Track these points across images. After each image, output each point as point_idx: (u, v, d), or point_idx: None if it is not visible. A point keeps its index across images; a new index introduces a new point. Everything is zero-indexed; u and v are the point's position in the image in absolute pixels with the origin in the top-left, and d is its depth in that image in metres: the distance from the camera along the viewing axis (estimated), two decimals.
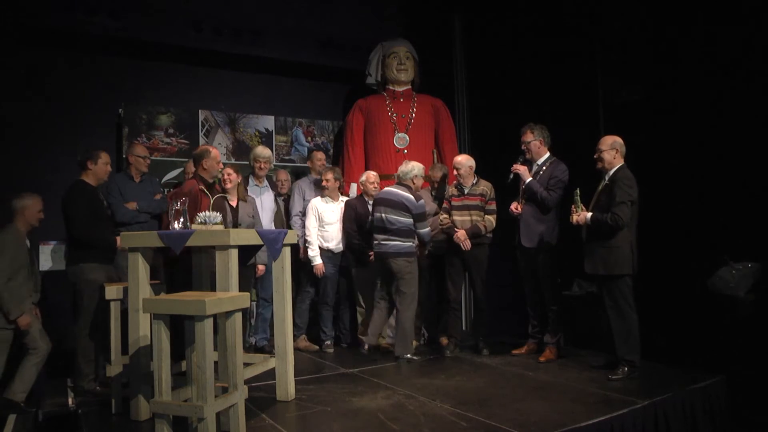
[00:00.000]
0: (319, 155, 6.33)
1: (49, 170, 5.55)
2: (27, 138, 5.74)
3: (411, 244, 5.28)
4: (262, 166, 5.72)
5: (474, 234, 5.29)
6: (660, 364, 4.70)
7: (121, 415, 3.83)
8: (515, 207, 5.16)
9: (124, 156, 6.06)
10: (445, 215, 5.46)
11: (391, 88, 6.93)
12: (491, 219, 5.40)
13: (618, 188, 4.39)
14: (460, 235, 5.26)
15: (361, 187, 5.88)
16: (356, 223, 5.67)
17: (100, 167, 4.52)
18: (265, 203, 5.72)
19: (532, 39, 6.22)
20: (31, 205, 4.52)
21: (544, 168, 5.15)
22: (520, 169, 5.15)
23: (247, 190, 5.59)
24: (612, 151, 4.53)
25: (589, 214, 4.50)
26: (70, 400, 4.22)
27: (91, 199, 4.45)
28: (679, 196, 4.88)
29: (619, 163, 4.53)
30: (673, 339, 4.82)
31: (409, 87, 6.96)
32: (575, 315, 5.30)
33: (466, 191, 5.45)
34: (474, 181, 5.46)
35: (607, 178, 4.57)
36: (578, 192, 4.63)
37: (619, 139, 4.57)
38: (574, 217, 4.58)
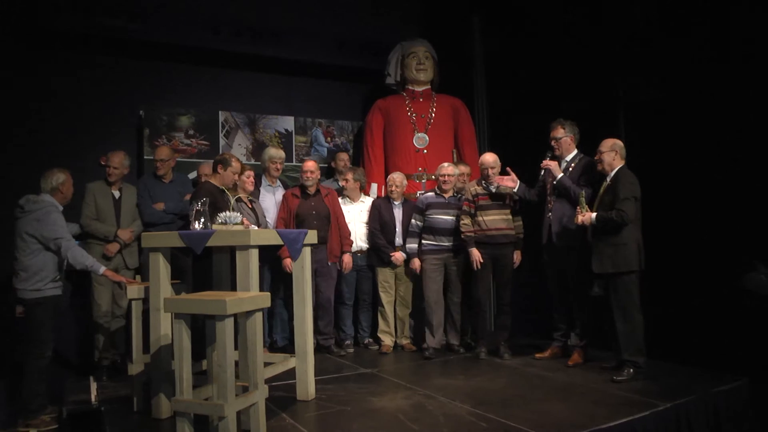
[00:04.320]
0: (343, 156, 6.50)
1: (71, 172, 5.61)
2: (49, 140, 5.79)
3: (424, 242, 5.55)
4: (278, 166, 5.76)
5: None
6: (682, 366, 4.66)
7: (142, 413, 3.86)
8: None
9: (145, 158, 6.15)
10: (466, 221, 5.36)
11: (410, 88, 6.91)
12: (520, 223, 5.45)
13: (621, 185, 4.43)
14: (476, 256, 5.26)
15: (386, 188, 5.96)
16: (379, 222, 5.70)
17: (228, 174, 4.67)
18: (278, 203, 5.72)
19: (551, 38, 6.18)
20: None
21: (573, 165, 5.06)
22: (551, 164, 5.04)
23: (260, 190, 5.66)
24: (612, 152, 4.57)
25: (594, 214, 4.49)
26: (92, 398, 4.27)
27: (216, 197, 4.53)
28: (702, 195, 4.82)
29: (620, 164, 4.58)
30: (697, 340, 4.75)
31: (429, 87, 6.94)
32: (598, 316, 5.24)
33: (493, 190, 5.37)
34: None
35: (608, 179, 4.60)
36: (584, 193, 4.64)
37: (619, 142, 4.62)
38: (579, 218, 4.57)
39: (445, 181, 5.55)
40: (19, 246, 4.19)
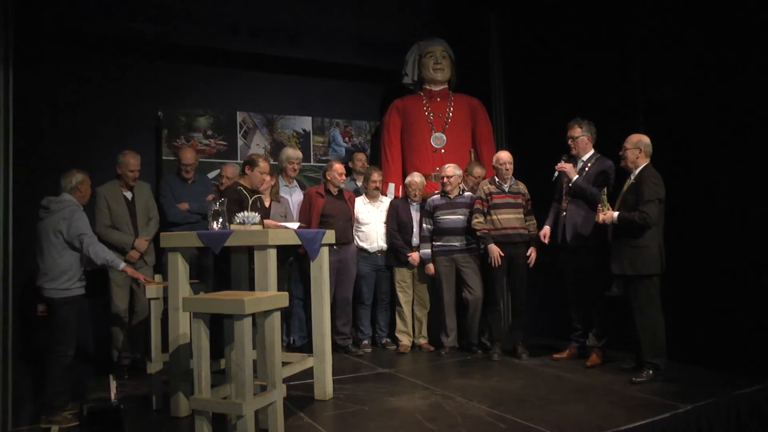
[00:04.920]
0: (360, 156, 6.53)
1: (89, 173, 5.67)
2: (68, 141, 5.82)
3: (435, 243, 5.58)
4: (296, 167, 5.80)
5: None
6: (704, 368, 4.60)
7: (161, 411, 3.91)
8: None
9: (163, 158, 6.19)
10: (480, 219, 5.33)
11: (427, 87, 6.90)
12: (534, 222, 5.39)
13: (646, 186, 4.33)
14: (495, 252, 5.20)
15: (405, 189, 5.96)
16: (397, 223, 5.72)
17: (256, 174, 4.69)
18: (296, 203, 5.76)
19: (569, 36, 6.14)
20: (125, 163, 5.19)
21: (590, 165, 5.01)
22: (566, 167, 4.99)
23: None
24: (636, 150, 4.48)
25: (616, 214, 4.42)
26: (112, 396, 4.32)
27: (240, 198, 4.57)
28: (722, 195, 4.76)
29: (644, 162, 4.48)
30: (719, 342, 4.68)
31: (446, 86, 6.93)
32: (616, 317, 5.19)
33: (506, 189, 5.35)
34: (513, 180, 5.40)
35: (632, 177, 4.52)
36: (605, 191, 4.57)
37: (645, 139, 4.51)
38: (601, 216, 4.51)
39: (445, 183, 5.55)
40: (44, 245, 4.25)
